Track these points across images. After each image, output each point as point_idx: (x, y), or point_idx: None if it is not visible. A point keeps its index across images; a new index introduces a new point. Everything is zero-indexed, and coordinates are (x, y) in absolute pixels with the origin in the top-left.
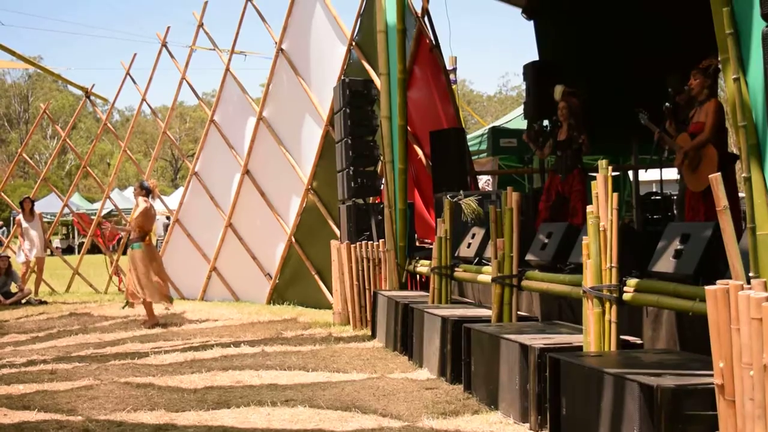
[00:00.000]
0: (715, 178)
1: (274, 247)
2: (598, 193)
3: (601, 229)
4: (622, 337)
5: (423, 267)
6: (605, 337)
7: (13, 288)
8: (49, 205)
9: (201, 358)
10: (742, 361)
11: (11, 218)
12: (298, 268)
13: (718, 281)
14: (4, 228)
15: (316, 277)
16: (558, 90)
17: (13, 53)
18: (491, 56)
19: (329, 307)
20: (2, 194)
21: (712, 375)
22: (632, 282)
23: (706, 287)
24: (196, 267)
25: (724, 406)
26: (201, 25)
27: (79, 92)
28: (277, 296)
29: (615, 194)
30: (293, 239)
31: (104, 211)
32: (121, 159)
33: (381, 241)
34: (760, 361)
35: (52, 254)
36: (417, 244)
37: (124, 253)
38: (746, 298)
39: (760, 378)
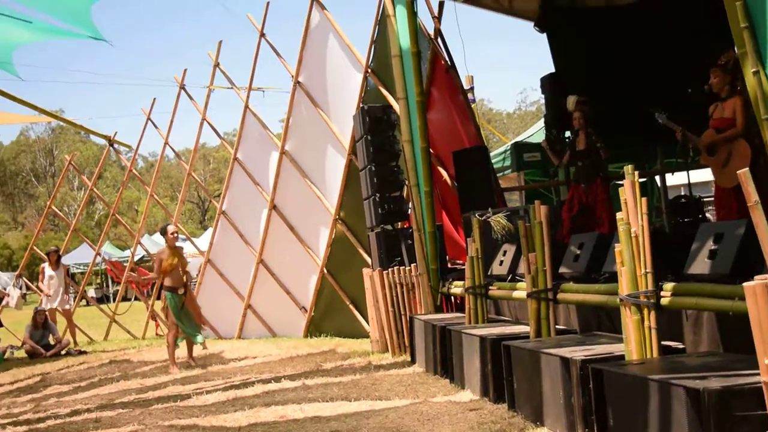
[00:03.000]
0: (744, 174)
1: (306, 280)
2: (627, 199)
3: (632, 235)
4: (663, 342)
5: (457, 288)
6: (646, 344)
7: (51, 340)
8: (81, 255)
9: (243, 396)
10: None
11: (39, 270)
12: (333, 299)
13: (755, 277)
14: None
15: (351, 306)
16: (571, 100)
17: (35, 108)
18: (508, 73)
19: (366, 335)
20: (35, 248)
21: (758, 374)
22: (669, 286)
23: (745, 284)
24: (231, 306)
25: None
26: (217, 64)
27: (102, 141)
28: (313, 329)
29: (644, 199)
30: (325, 270)
31: (136, 257)
32: (149, 204)
33: (413, 265)
34: None
35: (88, 304)
36: (449, 265)
37: (158, 297)
38: None
39: None
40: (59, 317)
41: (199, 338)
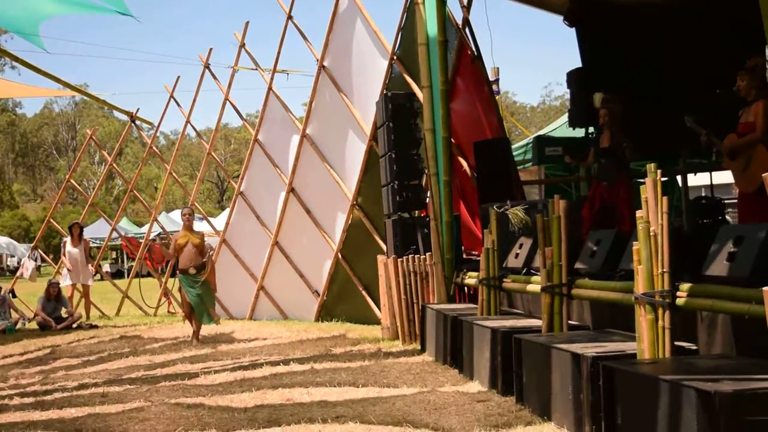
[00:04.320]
0: (767, 178)
1: (321, 264)
2: (648, 197)
3: (651, 233)
4: (676, 343)
5: (471, 279)
6: (659, 343)
7: (63, 313)
8: (98, 230)
9: (251, 377)
10: None
11: (62, 244)
12: (346, 284)
13: None
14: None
15: (364, 292)
16: (597, 97)
17: (60, 81)
18: (534, 67)
19: (378, 322)
20: (52, 221)
21: None
22: (685, 287)
23: (764, 289)
24: (244, 286)
25: None
26: (243, 45)
27: (125, 117)
28: (325, 313)
29: (665, 198)
30: (340, 255)
31: (152, 234)
32: (167, 182)
33: (428, 254)
34: None
35: (102, 279)
36: (464, 256)
37: (173, 275)
38: None
39: None
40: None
41: (206, 320)
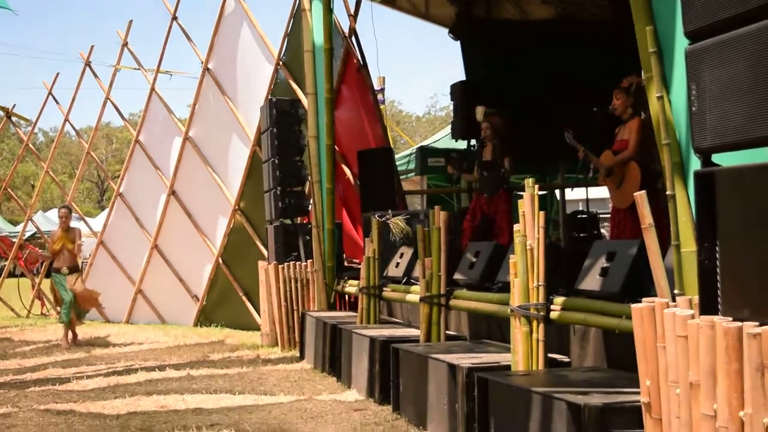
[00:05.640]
0: (640, 196)
1: (201, 269)
2: (525, 211)
3: (528, 247)
4: (550, 355)
5: (351, 287)
6: (533, 355)
7: None
8: None
9: (125, 383)
10: (669, 379)
11: None
12: (226, 290)
13: (644, 299)
14: None
15: (244, 298)
16: (479, 111)
17: None
18: (420, 76)
19: (257, 328)
20: None
21: (639, 393)
22: (559, 300)
23: (632, 305)
24: (121, 289)
25: (651, 424)
26: (125, 44)
27: (0, 113)
28: (204, 318)
29: (542, 212)
30: (220, 260)
31: (27, 234)
32: (43, 180)
33: (309, 261)
34: (686, 379)
35: None
36: (345, 264)
37: (47, 276)
38: (672, 315)
39: (687, 396)
40: None
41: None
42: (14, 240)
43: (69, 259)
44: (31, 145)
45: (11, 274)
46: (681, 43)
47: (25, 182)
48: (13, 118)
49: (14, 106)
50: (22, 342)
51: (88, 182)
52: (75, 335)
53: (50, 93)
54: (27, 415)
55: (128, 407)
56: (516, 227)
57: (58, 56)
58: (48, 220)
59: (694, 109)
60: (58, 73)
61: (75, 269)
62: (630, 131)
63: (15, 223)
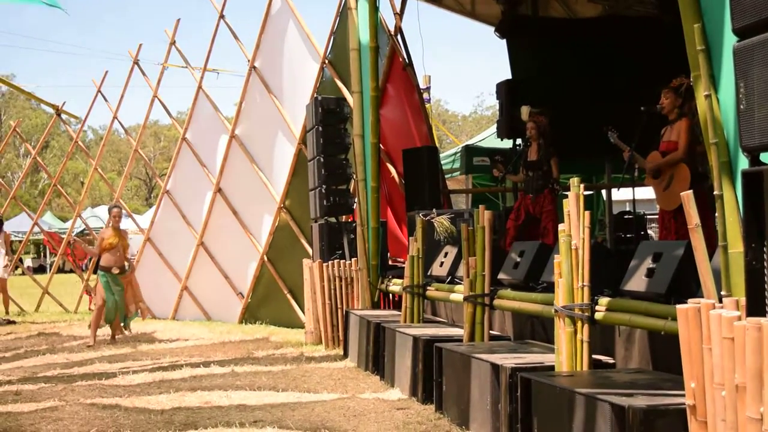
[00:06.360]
0: (687, 196)
1: (246, 266)
2: (570, 211)
3: (573, 247)
4: (594, 356)
5: (395, 286)
6: (577, 356)
7: None
8: (20, 224)
9: (170, 379)
10: (714, 381)
11: None
12: (271, 287)
13: (689, 300)
14: None
15: (289, 296)
16: (524, 111)
17: None
18: (466, 76)
19: (301, 326)
20: None
21: (684, 395)
22: (604, 301)
23: (678, 306)
24: (168, 286)
25: (695, 427)
26: (173, 42)
27: (51, 110)
28: (249, 315)
29: (587, 212)
30: (265, 258)
31: (76, 230)
32: (92, 177)
33: (353, 259)
34: (731, 381)
35: (23, 273)
36: (390, 262)
37: (95, 272)
38: (718, 317)
39: (732, 398)
40: None
41: (123, 319)
42: (63, 236)
43: (120, 258)
44: (80, 143)
45: (60, 270)
46: (729, 41)
47: (75, 179)
48: (63, 116)
49: (64, 104)
50: (69, 337)
51: (137, 179)
52: (114, 336)
53: (99, 91)
54: (73, 408)
55: (173, 403)
56: (561, 227)
57: (107, 54)
58: (97, 217)
59: (742, 107)
60: (106, 71)
61: (123, 270)
62: (679, 132)
63: (64, 220)
